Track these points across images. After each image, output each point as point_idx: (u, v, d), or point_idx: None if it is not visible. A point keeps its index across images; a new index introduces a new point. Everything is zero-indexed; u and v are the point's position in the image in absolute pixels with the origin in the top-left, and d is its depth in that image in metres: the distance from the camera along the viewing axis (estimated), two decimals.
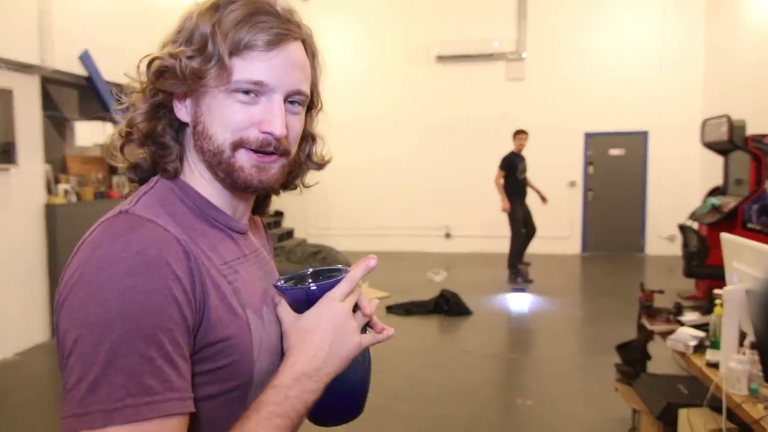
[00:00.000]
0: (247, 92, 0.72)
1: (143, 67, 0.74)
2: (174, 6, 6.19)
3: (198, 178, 0.77)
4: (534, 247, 9.29)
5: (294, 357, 0.72)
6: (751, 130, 5.81)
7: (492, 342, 4.85)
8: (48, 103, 5.35)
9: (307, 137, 0.85)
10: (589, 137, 9.08)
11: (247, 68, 0.71)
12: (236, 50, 0.71)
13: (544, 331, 5.08)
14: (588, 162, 9.14)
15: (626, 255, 8.94)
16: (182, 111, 0.76)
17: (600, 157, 9.11)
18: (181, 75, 0.71)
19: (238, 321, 0.71)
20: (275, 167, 0.76)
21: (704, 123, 6.44)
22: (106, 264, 0.62)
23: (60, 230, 4.90)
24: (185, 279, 0.65)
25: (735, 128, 5.71)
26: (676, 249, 8.32)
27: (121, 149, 0.78)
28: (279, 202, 10.42)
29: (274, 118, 0.73)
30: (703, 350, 2.25)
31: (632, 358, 2.79)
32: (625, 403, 2.64)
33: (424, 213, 9.57)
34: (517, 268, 6.96)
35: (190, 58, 0.71)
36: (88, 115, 5.97)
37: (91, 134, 6.16)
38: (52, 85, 5.35)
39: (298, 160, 0.84)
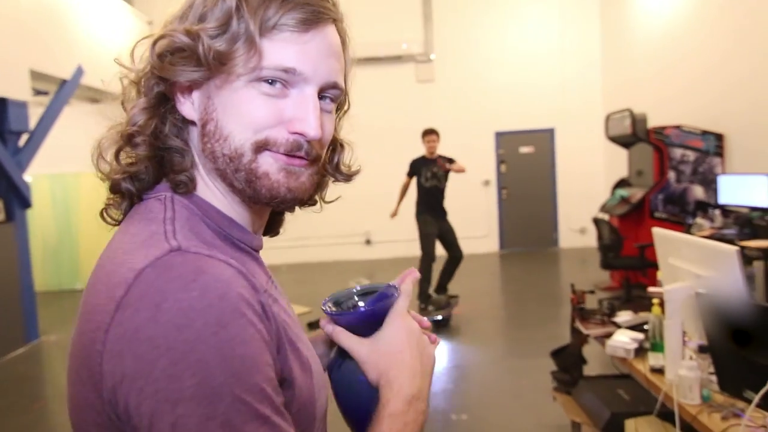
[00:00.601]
0: (272, 82, 0.59)
1: (144, 50, 0.60)
2: (38, 7, 5.50)
3: (212, 190, 0.64)
4: None
5: (397, 381, 0.65)
6: (649, 123, 6.04)
7: None
8: None
9: (336, 143, 0.75)
10: (500, 136, 9.21)
11: (276, 52, 0.59)
12: (264, 30, 0.58)
13: (471, 336, 4.96)
14: (500, 160, 9.26)
15: (542, 250, 9.13)
16: (187, 106, 0.62)
17: (511, 155, 9.26)
18: (202, 58, 0.57)
19: (299, 360, 0.61)
20: (306, 174, 0.64)
21: (608, 117, 6.64)
22: (187, 319, 0.50)
23: None
24: (262, 315, 0.56)
25: (637, 121, 5.91)
26: (587, 240, 8.61)
27: (117, 155, 0.62)
28: None
29: (308, 116, 0.60)
30: (644, 353, 2.14)
31: (568, 364, 2.67)
32: (565, 415, 2.50)
33: (342, 220, 9.29)
34: (428, 296, 5.49)
35: (213, 37, 0.58)
36: None
37: None
38: None
39: (323, 170, 0.73)
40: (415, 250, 9.11)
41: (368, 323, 0.69)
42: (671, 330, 1.87)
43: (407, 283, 0.71)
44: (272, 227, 0.79)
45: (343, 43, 0.69)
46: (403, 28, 9.01)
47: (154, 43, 0.59)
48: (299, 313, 6.03)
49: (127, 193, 0.63)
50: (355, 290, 0.76)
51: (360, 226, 9.33)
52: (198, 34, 0.57)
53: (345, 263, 8.96)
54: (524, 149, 9.26)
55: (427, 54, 9.03)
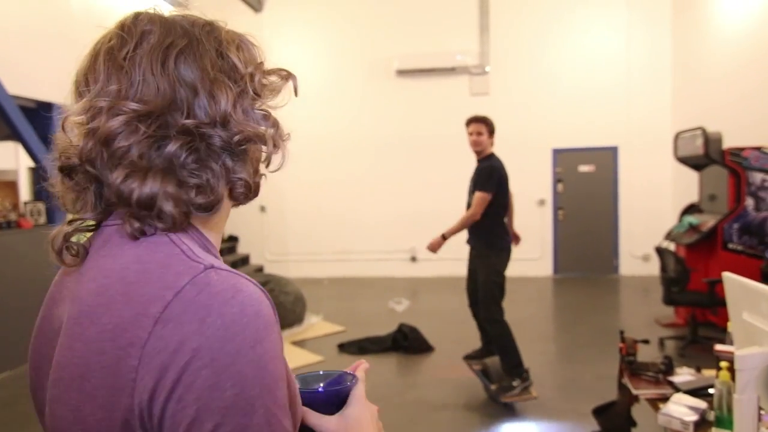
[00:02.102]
0: None
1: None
2: (87, 14, 5.50)
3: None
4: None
5: None
6: (724, 143, 5.43)
7: (453, 386, 4.26)
8: None
9: None
10: (558, 153, 8.69)
11: None
12: None
13: None
14: (557, 179, 8.73)
15: (599, 276, 8.51)
16: None
17: (569, 174, 8.71)
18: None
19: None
20: None
21: (677, 136, 6.06)
22: (230, 333, 0.54)
23: None
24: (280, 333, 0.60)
25: (711, 141, 5.32)
26: (651, 269, 7.94)
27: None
28: (233, 226, 9.78)
29: None
30: (706, 427, 1.71)
31: (613, 426, 2.24)
32: None
33: (387, 235, 9.03)
34: (523, 371, 3.89)
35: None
36: None
37: (2, 157, 5.47)
38: None
39: None
40: (461, 269, 8.71)
41: (332, 403, 0.74)
42: (743, 407, 1.45)
43: (360, 371, 0.79)
44: None
45: None
46: (458, 40, 8.69)
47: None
48: (333, 332, 5.77)
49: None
50: (319, 374, 0.81)
51: (405, 242, 9.01)
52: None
53: (388, 280, 8.65)
54: (584, 168, 8.69)
55: (482, 66, 8.66)
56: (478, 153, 4.15)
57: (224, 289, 0.56)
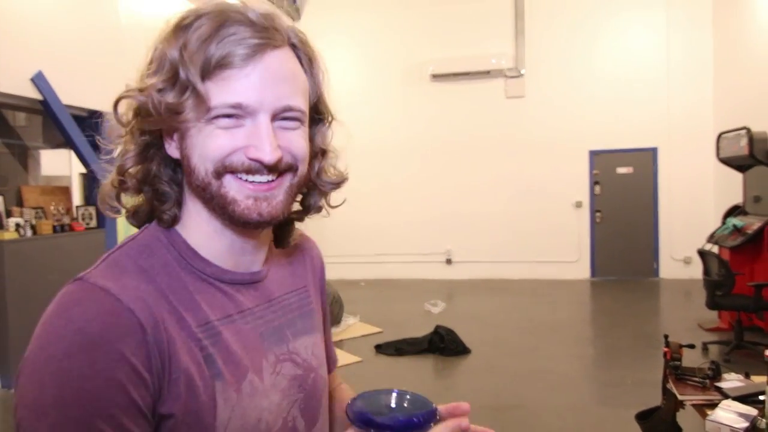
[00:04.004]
0: (229, 116, 0.63)
1: (119, 108, 0.66)
2: (136, 24, 5.70)
3: (196, 221, 0.69)
4: (541, 273, 8.77)
5: None
6: None
7: (490, 388, 4.28)
8: (4, 130, 4.91)
9: (316, 153, 0.76)
10: (595, 155, 8.58)
11: (222, 91, 0.62)
12: (207, 72, 0.61)
13: (550, 374, 4.51)
14: (594, 181, 8.62)
15: (639, 279, 8.36)
16: (172, 148, 0.68)
17: (607, 175, 8.59)
18: (155, 112, 0.62)
19: (197, 394, 0.61)
20: (279, 193, 0.67)
21: (720, 137, 5.93)
22: (47, 343, 0.57)
23: (9, 268, 4.41)
24: (136, 356, 0.58)
25: (756, 141, 5.20)
26: (692, 272, 7.78)
27: (117, 198, 0.70)
28: None
29: (262, 143, 0.63)
30: None
31: None
32: None
33: (423, 238, 9.07)
34: None
35: (161, 91, 0.62)
36: (54, 142, 5.54)
37: (57, 163, 5.73)
38: (6, 110, 4.93)
39: (309, 180, 0.76)
40: (496, 272, 8.70)
41: None
42: None
43: (452, 421, 0.63)
44: (282, 239, 0.80)
45: (310, 61, 0.73)
46: (493, 43, 8.68)
47: (116, 103, 0.64)
48: (370, 333, 5.84)
49: (133, 225, 0.72)
50: (394, 393, 0.70)
51: (441, 244, 9.03)
52: (148, 91, 0.62)
53: (424, 282, 8.69)
54: (622, 170, 8.56)
55: (517, 69, 8.62)
56: None
57: (65, 302, 0.59)
